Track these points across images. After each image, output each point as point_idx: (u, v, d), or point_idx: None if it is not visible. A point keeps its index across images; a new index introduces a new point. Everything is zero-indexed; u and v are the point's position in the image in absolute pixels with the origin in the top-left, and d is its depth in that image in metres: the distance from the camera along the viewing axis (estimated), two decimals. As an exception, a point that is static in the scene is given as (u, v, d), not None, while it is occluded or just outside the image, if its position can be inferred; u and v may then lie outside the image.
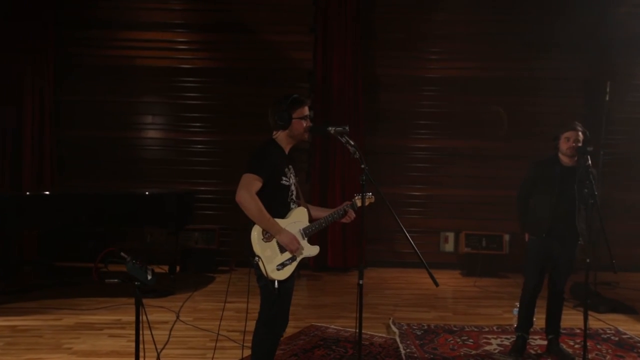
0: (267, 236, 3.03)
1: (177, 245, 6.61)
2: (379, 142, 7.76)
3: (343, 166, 7.52)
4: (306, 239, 3.20)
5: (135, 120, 7.83)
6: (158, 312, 5.27)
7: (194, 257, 7.18)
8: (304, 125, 3.20)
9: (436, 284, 3.02)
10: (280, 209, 3.13)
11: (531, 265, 4.26)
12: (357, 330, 3.05)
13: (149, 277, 2.61)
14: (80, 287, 6.19)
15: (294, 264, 3.14)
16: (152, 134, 7.86)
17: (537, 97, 7.72)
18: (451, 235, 7.79)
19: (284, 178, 3.14)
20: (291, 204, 3.22)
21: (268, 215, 3.00)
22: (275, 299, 3.05)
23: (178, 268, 7.01)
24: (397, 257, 7.81)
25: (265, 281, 3.05)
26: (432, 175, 7.89)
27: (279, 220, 3.06)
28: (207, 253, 7.21)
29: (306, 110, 3.23)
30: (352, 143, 3.12)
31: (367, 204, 3.48)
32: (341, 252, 7.46)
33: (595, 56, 7.62)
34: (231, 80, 7.75)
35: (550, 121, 7.56)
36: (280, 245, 3.06)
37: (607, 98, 6.10)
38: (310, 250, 3.24)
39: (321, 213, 3.37)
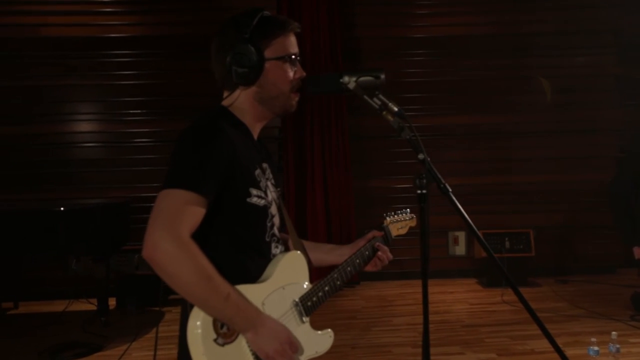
0: (225, 331, 1.38)
1: (108, 273, 4.90)
2: (366, 123, 6.09)
3: (324, 162, 5.90)
4: (308, 318, 1.57)
5: (50, 111, 5.91)
6: (73, 387, 3.57)
7: (134, 287, 5.39)
8: (290, 74, 1.54)
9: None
10: (248, 262, 1.48)
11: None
12: None
13: None
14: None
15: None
16: (74, 127, 5.99)
17: (557, 57, 6.19)
18: (461, 235, 6.23)
19: (254, 192, 1.46)
20: (272, 245, 1.56)
21: (227, 287, 1.35)
22: None
23: (113, 304, 5.30)
24: (394, 266, 6.21)
25: None
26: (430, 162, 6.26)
27: (246, 289, 1.41)
28: (151, 280, 5.42)
29: (293, 44, 1.56)
30: (396, 109, 1.51)
31: (405, 230, 1.95)
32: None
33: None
34: (175, 52, 5.95)
35: (576, 86, 6.17)
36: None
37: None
38: (317, 344, 1.59)
39: (319, 254, 1.75)
